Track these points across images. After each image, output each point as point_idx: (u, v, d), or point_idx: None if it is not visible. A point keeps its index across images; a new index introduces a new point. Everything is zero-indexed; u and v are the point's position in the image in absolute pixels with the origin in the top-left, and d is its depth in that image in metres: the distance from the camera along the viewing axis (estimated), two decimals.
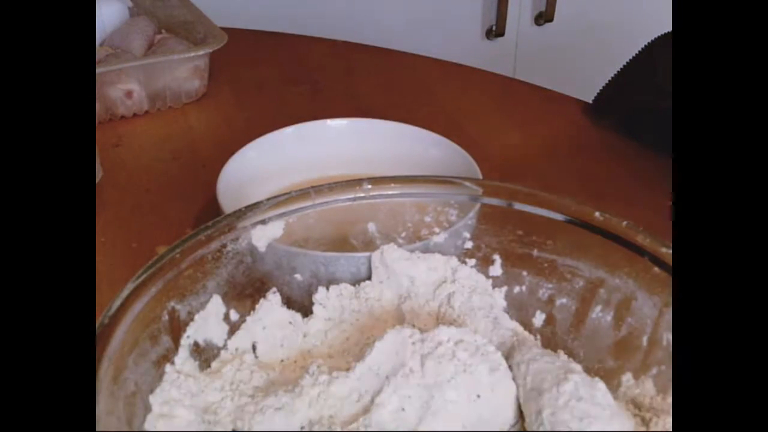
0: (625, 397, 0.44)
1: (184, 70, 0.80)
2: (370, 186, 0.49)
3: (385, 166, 0.63)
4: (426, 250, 0.48)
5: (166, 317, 0.42)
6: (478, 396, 0.40)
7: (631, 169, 0.73)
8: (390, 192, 0.49)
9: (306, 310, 0.48)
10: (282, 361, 0.46)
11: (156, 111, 0.81)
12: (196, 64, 0.81)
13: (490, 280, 0.48)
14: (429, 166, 0.63)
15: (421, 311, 0.47)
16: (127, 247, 0.62)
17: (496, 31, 1.33)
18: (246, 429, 0.40)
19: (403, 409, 0.39)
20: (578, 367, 0.42)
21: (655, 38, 0.79)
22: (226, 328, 0.46)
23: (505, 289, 0.49)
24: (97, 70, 0.74)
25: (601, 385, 0.41)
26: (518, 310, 0.48)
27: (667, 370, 0.43)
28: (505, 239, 0.48)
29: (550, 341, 0.47)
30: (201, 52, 0.80)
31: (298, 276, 0.48)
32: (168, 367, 0.42)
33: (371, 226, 0.51)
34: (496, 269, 0.49)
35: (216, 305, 0.45)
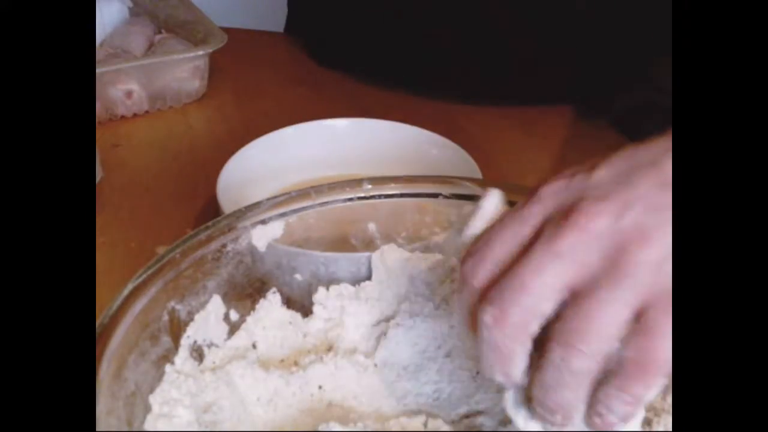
0: None
1: (184, 70, 0.80)
2: (370, 186, 0.49)
3: (385, 166, 0.63)
4: (426, 250, 0.48)
5: (166, 317, 0.42)
6: None
7: None
8: (390, 192, 0.49)
9: (306, 310, 0.48)
10: (282, 361, 0.46)
11: (156, 111, 0.81)
12: (196, 64, 0.81)
13: None
14: (429, 166, 0.63)
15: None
16: (127, 247, 0.62)
17: None
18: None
19: None
20: None
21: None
22: (226, 328, 0.46)
23: None
24: (97, 70, 0.74)
25: None
26: None
27: None
28: None
29: None
30: (201, 52, 0.80)
31: (298, 276, 0.48)
32: (168, 367, 0.42)
33: (371, 226, 0.51)
34: None
35: (216, 305, 0.45)
